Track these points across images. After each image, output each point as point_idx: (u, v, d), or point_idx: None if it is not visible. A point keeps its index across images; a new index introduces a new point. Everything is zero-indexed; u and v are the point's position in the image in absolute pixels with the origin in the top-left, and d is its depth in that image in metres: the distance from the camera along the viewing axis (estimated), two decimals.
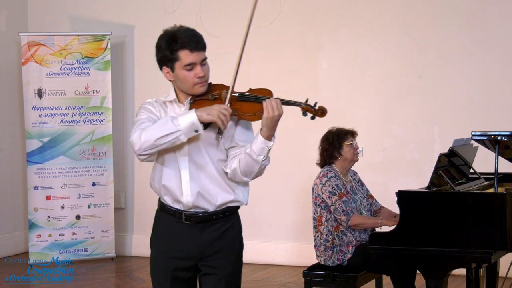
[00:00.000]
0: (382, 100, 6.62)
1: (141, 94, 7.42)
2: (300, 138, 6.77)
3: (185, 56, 3.02)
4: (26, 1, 7.84)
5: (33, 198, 7.05)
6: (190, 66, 3.03)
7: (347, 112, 6.68)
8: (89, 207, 7.13)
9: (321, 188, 4.78)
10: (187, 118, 2.95)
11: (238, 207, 3.22)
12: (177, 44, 3.02)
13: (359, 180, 5.06)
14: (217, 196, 3.10)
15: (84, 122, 7.11)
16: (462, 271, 4.74)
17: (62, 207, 7.08)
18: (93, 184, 7.13)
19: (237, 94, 3.06)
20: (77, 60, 7.10)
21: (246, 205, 3.24)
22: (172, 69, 3.07)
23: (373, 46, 6.64)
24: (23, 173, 7.48)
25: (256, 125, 3.14)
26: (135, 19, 7.47)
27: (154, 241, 3.25)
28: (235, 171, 3.06)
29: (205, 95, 3.09)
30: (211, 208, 3.11)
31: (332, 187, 4.75)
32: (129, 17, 7.48)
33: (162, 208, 3.20)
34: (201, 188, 3.08)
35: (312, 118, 3.07)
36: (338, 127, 4.98)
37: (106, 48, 7.13)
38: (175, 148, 3.06)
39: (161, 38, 3.09)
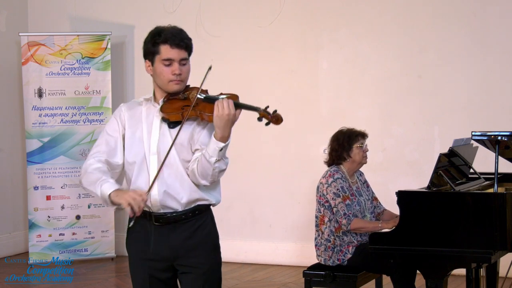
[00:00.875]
0: (382, 100, 6.62)
1: (141, 94, 7.33)
2: (300, 138, 6.78)
3: (165, 50, 3.10)
4: (26, 1, 7.84)
5: (33, 198, 7.05)
6: (168, 61, 3.10)
7: (347, 112, 6.69)
8: (89, 207, 7.13)
9: (326, 188, 4.77)
10: (103, 191, 3.06)
11: (209, 205, 3.22)
12: (159, 38, 3.11)
13: (365, 181, 5.05)
14: (184, 195, 3.11)
15: (84, 122, 7.11)
16: (462, 271, 4.74)
17: (62, 207, 7.08)
18: None
19: (203, 96, 3.10)
20: (77, 60, 7.10)
21: (215, 205, 3.23)
22: (152, 63, 3.16)
23: (373, 46, 6.64)
24: (23, 173, 7.48)
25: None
26: (135, 19, 7.47)
27: (129, 244, 3.27)
28: (194, 172, 3.07)
29: (178, 95, 3.15)
30: (180, 208, 3.12)
31: (337, 189, 4.74)
32: (129, 17, 7.48)
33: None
34: (167, 187, 3.09)
35: (267, 124, 3.07)
36: (349, 128, 4.95)
37: (106, 48, 7.13)
38: (145, 146, 3.13)
39: (150, 32, 3.19)
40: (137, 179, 3.14)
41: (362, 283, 4.78)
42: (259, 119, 3.06)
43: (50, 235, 7.05)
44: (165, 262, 3.16)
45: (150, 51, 3.15)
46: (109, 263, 7.13)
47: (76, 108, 7.10)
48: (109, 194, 3.04)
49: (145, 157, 3.13)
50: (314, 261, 4.97)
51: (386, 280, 4.96)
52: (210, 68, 3.09)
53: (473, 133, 4.30)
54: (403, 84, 6.55)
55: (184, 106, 3.10)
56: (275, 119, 3.04)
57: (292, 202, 6.89)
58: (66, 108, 7.09)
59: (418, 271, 4.12)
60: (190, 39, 3.15)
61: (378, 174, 6.48)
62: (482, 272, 4.61)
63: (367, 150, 4.95)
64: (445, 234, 3.90)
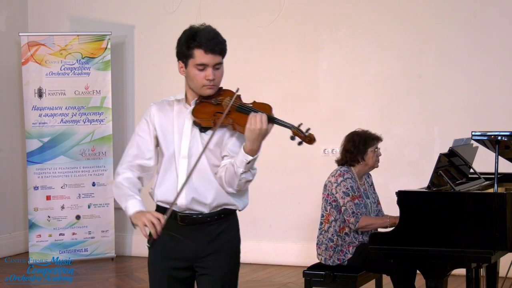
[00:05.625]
0: (382, 100, 6.62)
1: (141, 94, 7.42)
2: None
3: (199, 55, 3.04)
4: (26, 1, 7.84)
5: (33, 198, 7.05)
6: (202, 66, 3.04)
7: (347, 112, 6.68)
8: (89, 207, 7.13)
9: (336, 187, 4.75)
10: (127, 210, 3.10)
11: (235, 210, 3.22)
12: (194, 42, 3.03)
13: (372, 184, 5.03)
14: (212, 200, 3.11)
15: (84, 122, 7.11)
16: (462, 271, 4.74)
17: (62, 207, 7.08)
18: (93, 184, 7.13)
19: (237, 105, 3.06)
20: (77, 60, 7.10)
21: (240, 210, 3.23)
22: (186, 65, 3.09)
23: (373, 46, 6.64)
24: (23, 173, 7.48)
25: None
26: (135, 19, 7.47)
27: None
28: (221, 180, 3.07)
29: (210, 99, 3.10)
30: (206, 210, 3.12)
31: (347, 188, 4.73)
32: (129, 17, 7.48)
33: (158, 209, 3.19)
34: (195, 193, 3.08)
35: (299, 143, 3.06)
36: (364, 130, 4.92)
37: (106, 48, 7.13)
38: (175, 148, 3.10)
39: (184, 32, 3.11)
40: (163, 178, 3.14)
41: (362, 283, 4.78)
42: (292, 137, 3.06)
43: (50, 235, 7.05)
44: (185, 262, 3.15)
45: (184, 53, 3.07)
46: (109, 263, 7.13)
47: (76, 108, 7.10)
48: (130, 216, 3.05)
49: (175, 158, 3.11)
50: (314, 261, 4.97)
51: (386, 280, 4.96)
52: (237, 90, 3.08)
53: (473, 133, 4.30)
54: (403, 84, 6.55)
55: (216, 112, 3.06)
56: (308, 139, 3.02)
57: (292, 202, 6.89)
58: (66, 108, 7.09)
59: (418, 271, 4.12)
60: (224, 42, 3.09)
61: (378, 174, 6.44)
62: (482, 272, 4.61)
63: (380, 155, 4.93)
64: (445, 234, 3.90)
